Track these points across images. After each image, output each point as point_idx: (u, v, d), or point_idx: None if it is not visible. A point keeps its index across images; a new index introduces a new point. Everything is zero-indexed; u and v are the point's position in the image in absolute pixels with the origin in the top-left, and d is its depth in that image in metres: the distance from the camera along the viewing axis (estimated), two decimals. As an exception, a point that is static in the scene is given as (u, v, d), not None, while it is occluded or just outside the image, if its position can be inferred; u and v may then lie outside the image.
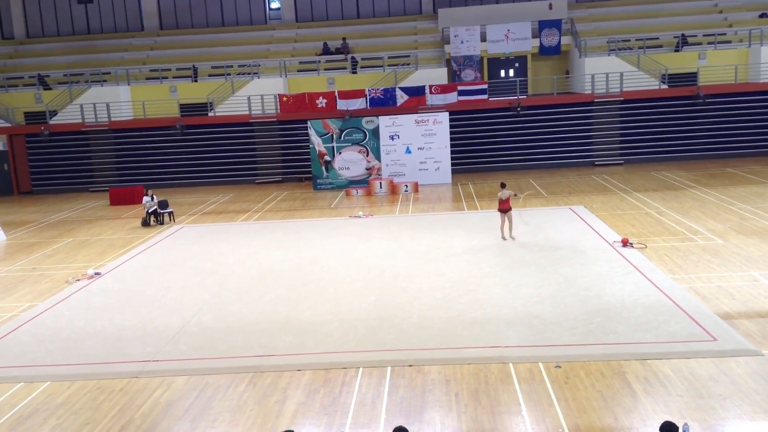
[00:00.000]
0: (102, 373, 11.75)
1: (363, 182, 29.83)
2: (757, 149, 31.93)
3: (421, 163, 30.21)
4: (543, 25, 35.40)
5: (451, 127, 30.48)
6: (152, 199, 24.64)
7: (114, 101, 34.93)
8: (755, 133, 32.05)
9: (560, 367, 10.88)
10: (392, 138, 30.26)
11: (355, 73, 35.79)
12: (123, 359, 12.26)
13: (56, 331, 13.94)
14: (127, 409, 10.38)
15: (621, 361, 10.93)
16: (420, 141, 30.18)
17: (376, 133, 30.27)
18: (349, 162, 30.50)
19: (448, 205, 25.43)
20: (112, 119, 34.52)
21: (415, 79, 34.34)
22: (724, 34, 35.14)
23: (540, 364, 11.03)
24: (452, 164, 30.64)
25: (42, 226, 25.66)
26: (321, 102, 32.34)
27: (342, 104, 32.29)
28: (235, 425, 9.71)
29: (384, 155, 30.33)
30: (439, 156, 30.20)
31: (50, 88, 36.83)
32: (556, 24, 35.43)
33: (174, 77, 37.04)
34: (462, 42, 35.56)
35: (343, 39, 37.86)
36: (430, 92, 32.31)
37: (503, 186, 19.32)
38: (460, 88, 32.48)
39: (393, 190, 28.64)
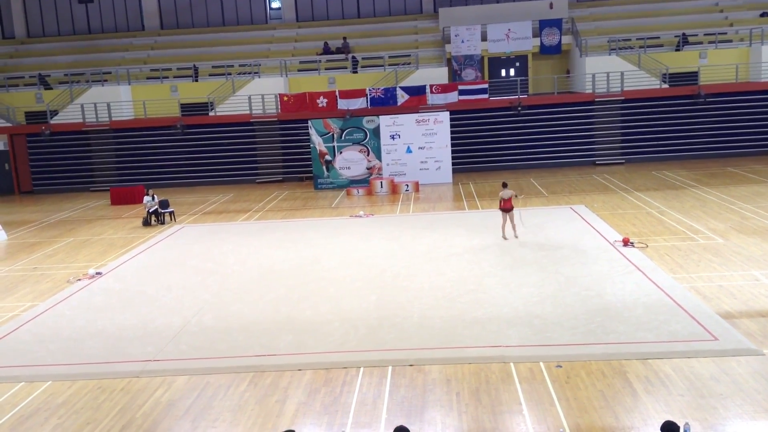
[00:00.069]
0: (103, 372, 11.76)
1: (364, 182, 29.83)
2: (758, 148, 31.92)
3: (421, 162, 30.21)
4: (543, 25, 35.39)
5: (451, 126, 30.47)
6: (153, 198, 24.65)
7: (115, 101, 34.94)
8: (756, 133, 32.02)
9: (561, 366, 10.88)
10: (393, 137, 30.26)
11: (355, 72, 35.79)
12: (124, 359, 12.27)
13: (57, 330, 13.95)
14: (128, 409, 10.39)
15: (622, 361, 10.92)
16: (421, 140, 30.18)
17: (376, 132, 30.27)
18: (350, 161, 30.50)
19: (448, 204, 25.43)
20: (113, 119, 34.54)
21: (415, 79, 34.34)
22: (725, 33, 35.11)
23: (541, 363, 11.02)
24: (453, 164, 30.64)
25: (43, 225, 25.67)
26: (322, 101, 32.33)
27: (343, 104, 32.29)
28: (236, 425, 9.71)
29: (385, 155, 30.33)
30: (439, 155, 30.20)
31: (51, 88, 36.84)
32: (556, 23, 35.42)
33: (175, 77, 37.04)
34: (463, 41, 35.55)
35: (344, 38, 37.86)
36: (431, 92, 32.30)
37: (505, 186, 19.32)
38: (460, 87, 32.47)
39: (394, 189, 28.64)
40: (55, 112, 35.37)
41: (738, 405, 9.37)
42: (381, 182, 28.83)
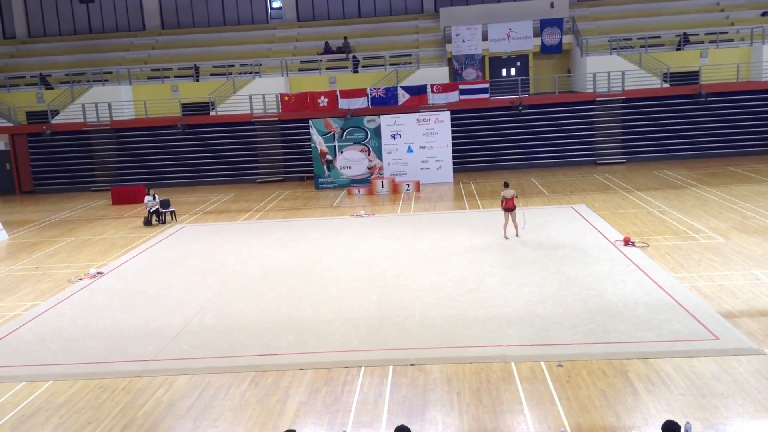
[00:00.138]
0: (104, 372, 11.77)
1: (364, 181, 29.83)
2: (759, 148, 31.89)
3: (422, 162, 30.20)
4: (544, 24, 35.38)
5: (452, 126, 30.47)
6: (154, 198, 24.66)
7: (116, 101, 34.96)
8: (757, 132, 32.00)
9: (562, 366, 10.88)
10: (394, 137, 30.26)
11: (356, 72, 35.79)
12: (125, 358, 12.28)
13: (58, 330, 13.96)
14: (129, 409, 10.39)
15: (623, 360, 10.92)
16: (421, 140, 30.17)
17: (377, 132, 30.26)
18: (351, 161, 30.50)
19: (449, 204, 25.42)
20: (114, 119, 34.55)
21: (416, 78, 34.34)
22: (726, 32, 35.09)
23: (542, 363, 11.02)
24: (454, 163, 30.64)
25: (44, 225, 25.69)
26: (322, 101, 32.33)
27: (343, 103, 32.29)
28: (237, 424, 9.72)
29: (385, 154, 30.33)
30: (440, 155, 30.19)
31: (52, 88, 36.86)
32: (557, 23, 35.40)
33: (175, 77, 37.06)
34: (463, 41, 35.55)
35: (345, 38, 37.86)
36: (432, 91, 32.30)
37: (506, 185, 19.34)
38: (461, 87, 32.47)
39: (394, 189, 28.64)
40: (56, 112, 35.40)
41: (739, 404, 9.37)
42: (382, 182, 28.82)
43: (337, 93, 32.47)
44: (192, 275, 17.48)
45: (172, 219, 24.93)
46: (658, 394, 9.76)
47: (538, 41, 35.54)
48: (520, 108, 32.30)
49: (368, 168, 30.46)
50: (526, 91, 34.77)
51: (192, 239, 21.75)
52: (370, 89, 32.46)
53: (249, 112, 33.89)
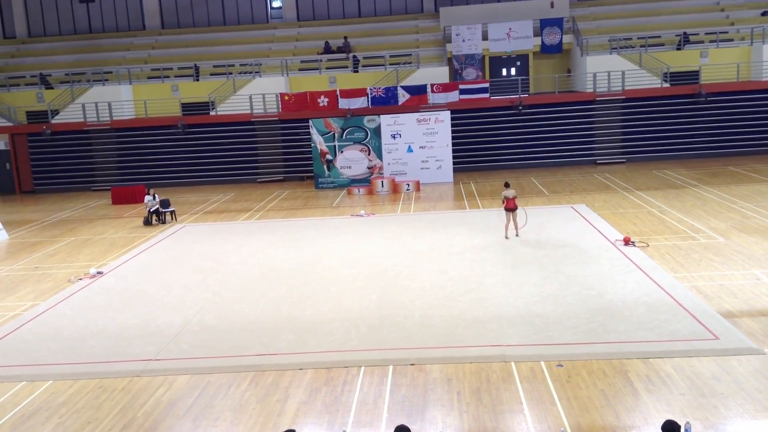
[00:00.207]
0: (104, 372, 11.77)
1: (365, 181, 29.82)
2: (759, 147, 31.88)
3: (422, 161, 30.20)
4: (544, 24, 35.37)
5: (452, 125, 30.46)
6: (154, 198, 24.66)
7: (116, 100, 34.96)
8: (757, 132, 31.99)
9: (562, 365, 10.88)
10: (394, 137, 30.25)
11: (356, 71, 35.79)
12: (125, 358, 12.28)
13: (58, 330, 13.96)
14: (129, 408, 10.40)
15: (623, 360, 10.92)
16: (421, 140, 30.17)
17: (377, 131, 30.26)
18: (351, 161, 30.50)
19: (449, 203, 25.42)
20: (114, 118, 34.55)
21: (416, 78, 34.34)
22: (726, 32, 35.09)
23: (542, 362, 11.02)
24: (454, 163, 30.63)
25: (44, 225, 25.69)
26: (323, 101, 32.33)
27: (343, 103, 32.29)
28: (237, 424, 9.72)
29: (385, 154, 30.32)
30: (440, 155, 30.19)
31: (52, 88, 36.86)
32: (557, 22, 35.40)
33: (176, 76, 37.06)
34: (463, 40, 35.55)
35: (345, 38, 37.86)
36: (432, 91, 32.29)
37: (507, 186, 19.36)
38: (461, 86, 32.47)
39: (395, 188, 28.63)
40: (56, 112, 35.39)
41: (739, 404, 9.37)
42: (382, 181, 28.82)
43: (337, 93, 32.47)
44: (192, 275, 17.48)
45: (172, 219, 24.93)
46: (658, 394, 9.76)
47: (538, 41, 35.54)
48: (520, 108, 32.30)
49: (368, 168, 30.46)
50: (526, 91, 34.76)
51: (192, 239, 21.75)
52: (370, 89, 32.46)
53: (249, 111, 33.89)
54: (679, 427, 7.05)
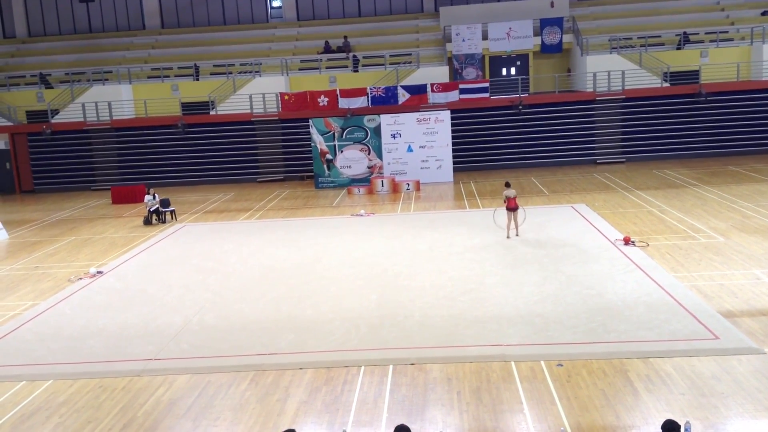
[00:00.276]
0: (104, 371, 11.77)
1: (365, 181, 29.82)
2: (759, 147, 31.89)
3: (422, 161, 30.20)
4: (544, 23, 35.37)
5: (452, 125, 30.46)
6: (154, 197, 24.66)
7: (116, 100, 34.96)
8: (757, 131, 32.00)
9: (562, 365, 10.88)
10: (394, 136, 30.25)
11: (356, 71, 35.78)
12: (125, 358, 12.28)
13: (58, 329, 13.96)
14: (129, 408, 10.40)
15: (623, 360, 10.92)
16: (422, 139, 30.17)
17: (377, 131, 30.26)
18: (351, 160, 30.49)
19: (449, 203, 25.42)
20: (114, 118, 34.55)
21: (416, 78, 34.34)
22: (726, 32, 35.09)
23: (542, 362, 11.02)
24: (454, 162, 30.63)
25: (44, 224, 25.69)
26: (322, 100, 32.34)
27: (343, 102, 32.30)
28: (237, 424, 9.72)
29: (386, 153, 30.32)
30: (440, 154, 30.18)
31: (52, 87, 36.87)
32: (557, 22, 35.40)
33: (176, 76, 37.06)
34: (463, 40, 35.55)
35: (345, 37, 37.85)
36: (432, 90, 32.30)
37: (508, 185, 19.37)
38: (461, 86, 32.48)
39: (395, 188, 28.63)
40: (56, 111, 35.39)
41: (739, 404, 9.37)
42: (382, 181, 28.82)
43: (337, 92, 32.48)
44: (192, 274, 17.48)
45: (172, 218, 24.93)
46: (658, 394, 9.76)
47: (538, 40, 35.54)
48: (520, 107, 32.30)
49: (368, 167, 30.46)
50: (526, 91, 34.76)
51: (192, 238, 21.75)
52: (370, 88, 32.47)
53: (249, 111, 33.88)
54: (679, 426, 7.05)
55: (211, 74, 37.12)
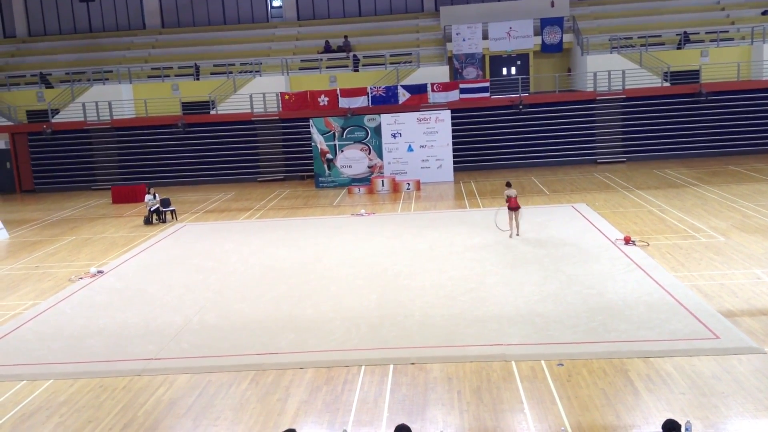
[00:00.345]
0: (104, 371, 11.77)
1: (365, 180, 29.82)
2: (759, 147, 31.89)
3: (423, 161, 30.20)
4: (545, 23, 35.37)
5: (453, 125, 30.46)
6: (154, 197, 24.66)
7: (116, 99, 34.96)
8: (758, 131, 31.99)
9: (563, 365, 10.88)
10: (394, 136, 30.24)
11: (356, 71, 35.78)
12: (125, 357, 12.28)
13: (59, 329, 13.96)
14: (129, 407, 10.40)
15: (623, 359, 10.92)
16: (422, 139, 30.16)
17: (378, 131, 30.25)
18: (351, 160, 30.49)
19: (450, 203, 25.42)
20: (114, 117, 34.56)
21: (416, 77, 34.34)
22: (727, 31, 35.08)
23: (542, 362, 11.02)
24: (454, 162, 30.63)
25: (44, 224, 25.69)
26: (323, 100, 32.34)
27: (344, 102, 32.30)
28: (238, 423, 9.72)
29: (386, 153, 30.32)
30: (441, 154, 30.18)
31: (52, 87, 36.87)
32: (558, 21, 35.40)
33: (176, 75, 37.07)
34: (464, 40, 35.55)
35: (345, 37, 37.85)
36: (432, 90, 32.31)
37: (509, 185, 19.37)
38: (462, 86, 32.48)
39: (395, 188, 28.63)
40: (56, 111, 35.40)
41: (739, 403, 9.37)
42: (382, 181, 28.82)
43: (338, 92, 32.48)
44: (192, 274, 17.48)
45: (172, 218, 24.93)
46: (658, 393, 9.76)
47: (538, 40, 35.55)
48: (521, 107, 32.29)
49: (369, 167, 30.46)
50: (526, 90, 34.76)
51: (192, 238, 21.75)
52: (371, 88, 32.47)
53: (249, 111, 33.89)
54: (679, 426, 7.05)
55: (211, 74, 37.12)
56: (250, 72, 36.00)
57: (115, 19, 42.51)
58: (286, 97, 32.61)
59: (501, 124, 32.77)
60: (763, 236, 17.55)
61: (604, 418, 9.19)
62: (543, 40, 35.42)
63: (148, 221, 24.36)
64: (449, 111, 30.59)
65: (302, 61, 37.39)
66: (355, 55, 36.61)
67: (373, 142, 30.31)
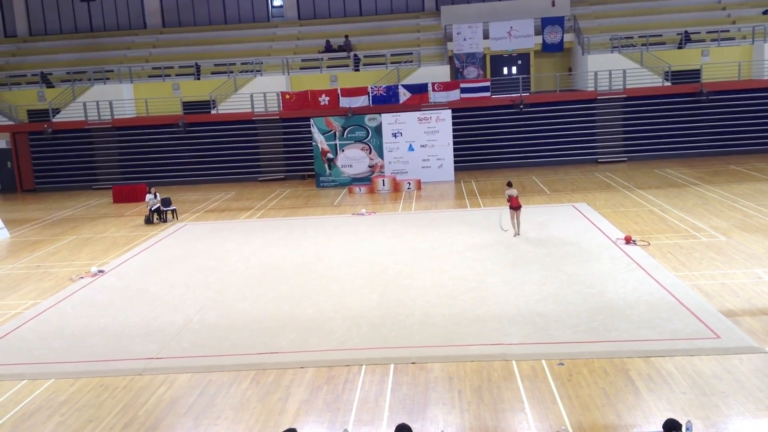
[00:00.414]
0: (105, 370, 11.78)
1: (366, 180, 29.82)
2: (760, 146, 31.86)
3: (423, 160, 30.19)
4: (546, 22, 35.36)
5: (453, 124, 30.45)
6: (155, 196, 24.67)
7: (117, 99, 34.98)
8: (759, 130, 31.97)
9: (563, 364, 10.88)
10: (395, 135, 30.24)
11: (357, 70, 35.78)
12: (126, 357, 12.29)
13: (59, 328, 13.97)
14: (130, 407, 10.40)
15: (624, 359, 10.92)
16: (423, 138, 30.16)
17: (378, 130, 30.25)
18: (352, 159, 30.49)
19: (450, 202, 25.42)
20: (115, 117, 34.57)
21: (417, 77, 34.33)
22: (728, 31, 35.06)
23: (543, 361, 11.02)
24: (455, 162, 30.63)
25: (45, 223, 25.70)
26: (324, 99, 32.34)
27: (345, 102, 32.30)
28: (238, 423, 9.72)
29: (387, 153, 30.31)
30: (441, 153, 30.17)
31: (53, 86, 36.88)
32: (558, 21, 35.39)
33: (177, 75, 37.07)
34: (465, 39, 35.54)
35: (346, 36, 37.85)
36: (433, 90, 32.30)
37: (510, 185, 19.37)
38: (462, 85, 32.47)
39: (396, 187, 28.63)
40: (57, 111, 35.41)
41: (740, 403, 9.37)
42: (383, 180, 28.82)
43: (338, 91, 32.48)
44: (193, 273, 17.49)
45: (173, 217, 24.94)
46: (659, 393, 9.75)
47: (539, 39, 35.54)
48: (521, 106, 32.28)
49: (369, 166, 30.45)
50: (527, 90, 34.74)
51: (193, 238, 21.76)
52: (371, 87, 32.47)
53: (250, 110, 33.89)
54: (680, 425, 7.05)
55: (212, 73, 37.13)
56: (251, 71, 36.00)
57: (116, 18, 42.53)
58: (287, 96, 32.61)
59: (502, 123, 32.76)
60: (764, 236, 17.54)
61: (605, 418, 9.19)
62: (544, 40, 35.42)
63: (148, 221, 24.37)
64: (450, 110, 30.58)
65: (303, 60, 37.39)
66: (355, 55, 36.61)
67: (374, 141, 30.30)
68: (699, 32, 35.11)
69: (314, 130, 30.55)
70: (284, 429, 8.06)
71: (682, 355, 10.89)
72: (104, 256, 20.03)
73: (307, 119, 31.64)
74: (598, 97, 32.31)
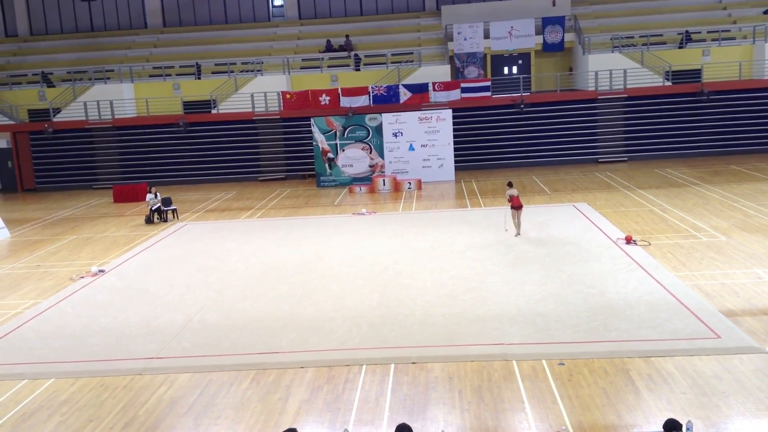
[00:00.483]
0: (106, 370, 11.78)
1: (366, 179, 29.82)
2: (761, 146, 31.85)
3: (424, 160, 30.19)
4: (546, 22, 35.34)
5: (454, 124, 30.45)
6: (156, 196, 24.67)
7: (117, 99, 34.98)
8: (759, 130, 31.96)
9: (563, 364, 10.87)
10: (395, 135, 30.24)
11: (358, 70, 35.77)
12: (127, 356, 12.29)
13: (60, 328, 13.97)
14: (130, 406, 10.41)
15: (624, 359, 10.91)
16: (423, 138, 30.15)
17: (379, 130, 30.24)
18: (353, 159, 30.49)
19: (451, 202, 25.42)
20: (116, 116, 34.58)
21: (418, 77, 34.33)
22: (728, 30, 35.05)
23: (543, 361, 11.02)
24: (455, 161, 30.62)
25: (46, 223, 25.71)
26: (324, 99, 32.34)
27: (345, 101, 32.29)
28: (239, 422, 9.72)
29: (387, 152, 30.31)
30: (442, 153, 30.17)
31: (54, 86, 36.89)
32: (559, 21, 35.38)
33: (177, 75, 37.08)
34: (465, 39, 35.54)
35: (347, 36, 37.85)
36: (434, 89, 32.29)
37: (510, 185, 19.36)
38: (463, 85, 32.46)
39: (396, 187, 28.62)
40: (57, 110, 35.42)
41: (741, 403, 9.36)
42: (383, 180, 28.82)
43: (339, 91, 32.47)
44: (193, 273, 17.49)
45: (173, 217, 24.95)
46: (659, 393, 9.75)
47: (539, 39, 35.53)
48: (522, 106, 32.28)
49: (370, 166, 30.45)
50: (527, 89, 34.74)
51: (193, 237, 21.76)
52: (372, 87, 32.46)
53: (251, 110, 33.90)
54: (680, 425, 7.05)
55: (212, 73, 37.13)
56: (252, 71, 36.00)
57: (117, 18, 42.54)
58: (288, 96, 32.60)
59: (502, 123, 32.76)
60: (765, 236, 17.53)
61: (605, 418, 9.19)
62: (544, 40, 35.40)
63: (149, 220, 24.38)
64: (450, 110, 30.58)
65: (303, 60, 37.39)
66: (356, 55, 36.61)
67: (375, 141, 30.30)
68: (700, 32, 35.10)
69: (315, 129, 30.55)
70: (284, 429, 8.06)
71: (683, 355, 10.88)
72: (104, 255, 20.04)
73: (308, 119, 31.64)
74: (599, 97, 32.30)
